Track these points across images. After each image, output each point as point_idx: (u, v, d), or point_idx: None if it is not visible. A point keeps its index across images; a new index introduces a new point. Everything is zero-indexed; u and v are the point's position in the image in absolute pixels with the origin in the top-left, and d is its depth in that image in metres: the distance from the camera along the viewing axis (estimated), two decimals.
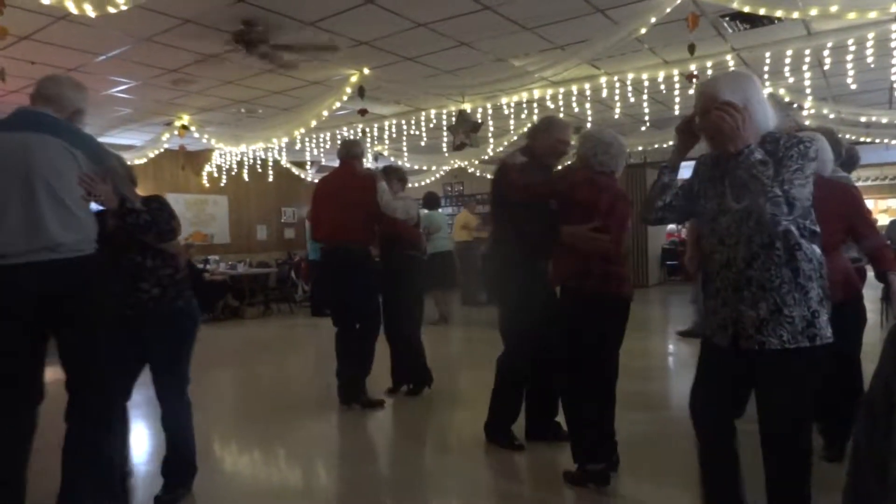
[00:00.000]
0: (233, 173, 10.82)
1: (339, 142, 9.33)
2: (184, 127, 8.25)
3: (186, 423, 2.76)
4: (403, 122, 8.52)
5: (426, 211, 7.77)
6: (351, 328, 4.36)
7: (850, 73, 5.97)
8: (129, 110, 7.80)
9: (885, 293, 2.83)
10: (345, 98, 6.65)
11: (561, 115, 7.74)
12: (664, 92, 6.93)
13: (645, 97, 7.33)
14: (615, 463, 2.89)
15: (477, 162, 10.35)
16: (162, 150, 9.15)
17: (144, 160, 9.26)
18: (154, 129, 8.67)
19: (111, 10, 3.86)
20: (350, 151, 4.55)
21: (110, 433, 2.34)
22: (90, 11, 3.87)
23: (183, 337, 2.72)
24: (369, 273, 4.37)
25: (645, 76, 6.58)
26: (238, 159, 10.44)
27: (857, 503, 1.62)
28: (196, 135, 8.44)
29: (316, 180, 11.56)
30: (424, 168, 10.84)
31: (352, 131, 8.99)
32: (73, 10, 3.85)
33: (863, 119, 7.96)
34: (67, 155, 2.24)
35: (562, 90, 6.94)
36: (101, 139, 9.17)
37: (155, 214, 2.50)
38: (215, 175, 10.88)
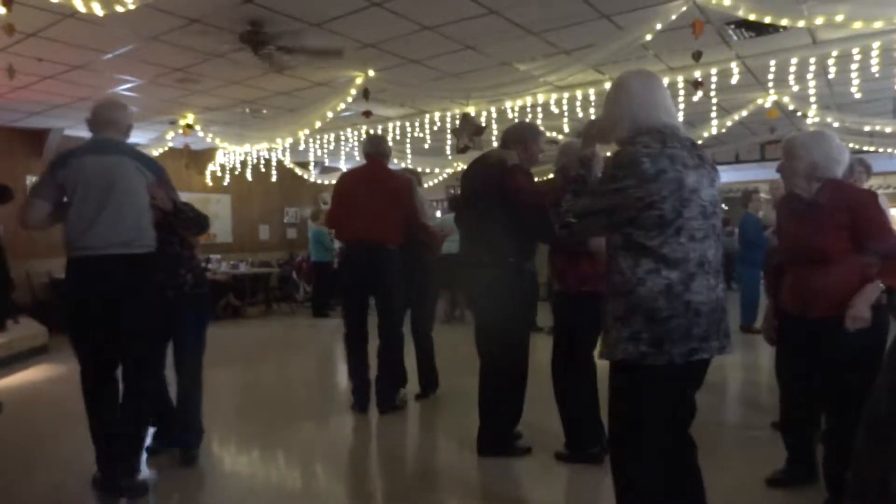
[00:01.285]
0: (236, 173, 10.84)
1: (343, 141, 9.38)
2: (188, 126, 8.27)
3: (199, 391, 3.36)
4: (408, 124, 8.53)
5: (438, 214, 7.82)
6: (364, 331, 4.28)
7: (855, 82, 5.97)
8: (134, 109, 7.80)
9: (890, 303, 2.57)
10: (349, 100, 6.67)
11: (565, 121, 7.78)
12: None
13: None
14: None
15: None
16: (166, 148, 9.17)
17: None
18: (159, 127, 8.70)
19: (119, 8, 3.88)
20: (379, 149, 4.48)
21: (153, 383, 3.13)
22: (98, 10, 3.90)
23: (205, 318, 3.42)
24: (402, 275, 4.30)
25: None
26: (242, 159, 10.46)
27: (862, 480, 1.63)
28: (200, 134, 8.46)
29: (319, 181, 11.66)
30: (428, 170, 10.85)
31: (356, 133, 9.01)
32: (81, 8, 3.87)
33: (867, 128, 7.96)
34: (139, 174, 2.96)
35: (566, 95, 6.95)
36: None
37: (196, 213, 3.27)
38: (219, 174, 10.89)
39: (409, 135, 8.94)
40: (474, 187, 3.36)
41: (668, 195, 1.76)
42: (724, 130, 8.13)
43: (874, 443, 1.59)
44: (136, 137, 9.31)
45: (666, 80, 6.36)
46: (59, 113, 7.85)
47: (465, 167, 3.71)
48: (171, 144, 9.07)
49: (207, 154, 10.69)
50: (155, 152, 9.16)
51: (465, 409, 3.65)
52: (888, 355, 1.65)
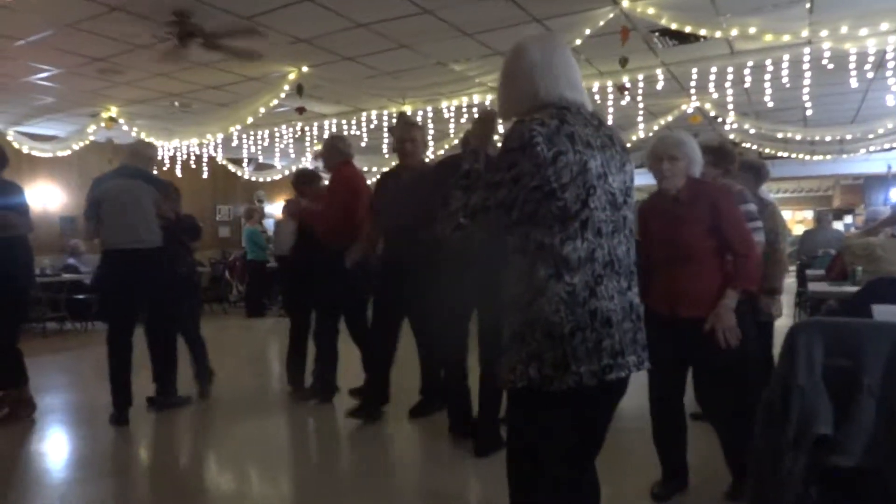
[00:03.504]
0: (164, 168, 10.43)
1: (278, 138, 9.18)
2: (111, 119, 7.90)
3: (201, 345, 4.62)
4: (344, 121, 8.45)
5: None
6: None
7: (768, 91, 6.34)
8: (52, 99, 7.41)
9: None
10: (282, 95, 6.55)
11: (500, 121, 7.89)
12: (598, 101, 7.17)
13: None
14: None
15: None
16: (87, 142, 8.73)
17: (68, 152, 8.81)
18: (79, 120, 8.27)
19: None
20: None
21: (166, 328, 4.34)
22: None
23: (198, 297, 5.05)
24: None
25: None
26: (171, 154, 10.07)
27: (756, 493, 1.75)
28: (125, 127, 8.10)
29: (253, 178, 11.38)
30: (365, 169, 10.77)
31: (290, 129, 8.85)
32: None
33: (780, 135, 8.47)
34: (150, 191, 4.08)
35: None
36: (19, 129, 8.63)
37: (193, 224, 4.64)
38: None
39: (346, 132, 8.86)
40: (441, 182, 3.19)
41: (568, 181, 1.44)
42: (650, 135, 8.48)
43: (768, 427, 1.71)
44: (54, 130, 8.85)
45: (596, 85, 6.68)
46: None
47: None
48: (92, 138, 8.64)
49: None
50: (75, 146, 8.72)
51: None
52: (784, 344, 1.77)
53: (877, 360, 1.68)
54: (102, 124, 7.97)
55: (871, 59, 5.45)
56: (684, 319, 2.47)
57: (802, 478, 1.66)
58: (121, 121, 7.95)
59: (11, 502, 2.85)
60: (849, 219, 14.91)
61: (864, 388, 1.67)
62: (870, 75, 5.80)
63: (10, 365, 3.97)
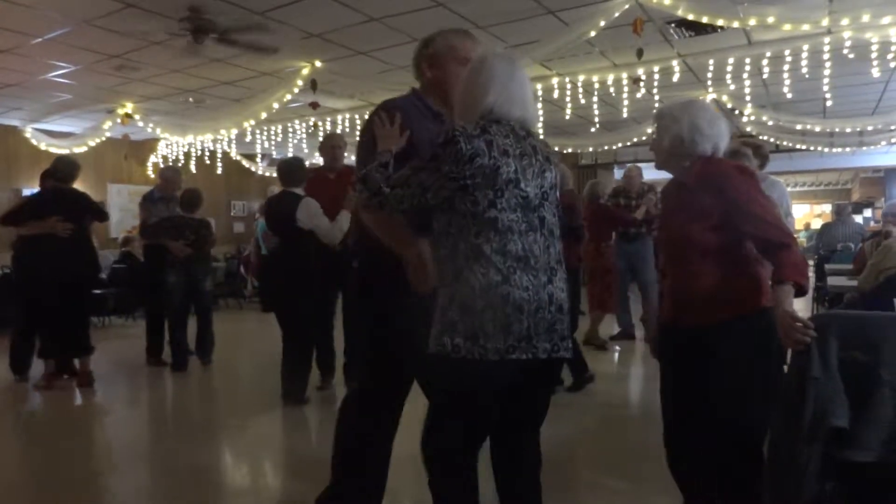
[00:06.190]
0: (180, 164, 10.51)
1: (291, 133, 9.20)
2: (127, 115, 7.96)
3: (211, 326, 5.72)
4: (357, 116, 8.45)
5: None
6: None
7: (787, 82, 6.23)
8: (68, 96, 7.48)
9: None
10: (296, 90, 6.56)
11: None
12: (613, 94, 7.10)
13: (595, 99, 7.49)
14: None
15: None
16: (103, 138, 8.81)
17: (85, 149, 8.90)
18: (96, 116, 8.34)
19: None
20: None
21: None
22: None
23: (211, 288, 6.09)
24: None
25: (595, 78, 6.72)
26: (185, 150, 10.14)
27: (773, 487, 1.73)
28: (140, 123, 8.16)
29: (267, 174, 11.43)
30: None
31: (304, 124, 8.87)
32: None
33: (798, 127, 8.34)
34: None
35: None
36: (36, 126, 8.75)
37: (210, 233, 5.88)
38: (161, 166, 10.53)
39: (358, 127, 8.85)
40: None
41: (480, 182, 1.64)
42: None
43: (785, 420, 1.69)
44: (71, 126, 8.95)
45: (611, 77, 6.62)
46: None
47: None
48: (108, 135, 8.72)
49: (149, 145, 10.33)
50: (91, 143, 8.81)
51: None
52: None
53: None
54: (118, 120, 8.03)
55: (893, 48, 5.33)
56: (683, 330, 2.02)
57: (818, 471, 1.63)
58: (136, 117, 8.01)
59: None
60: (868, 212, 14.67)
61: (883, 382, 1.64)
62: (892, 65, 5.68)
63: (80, 334, 4.76)
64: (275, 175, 11.72)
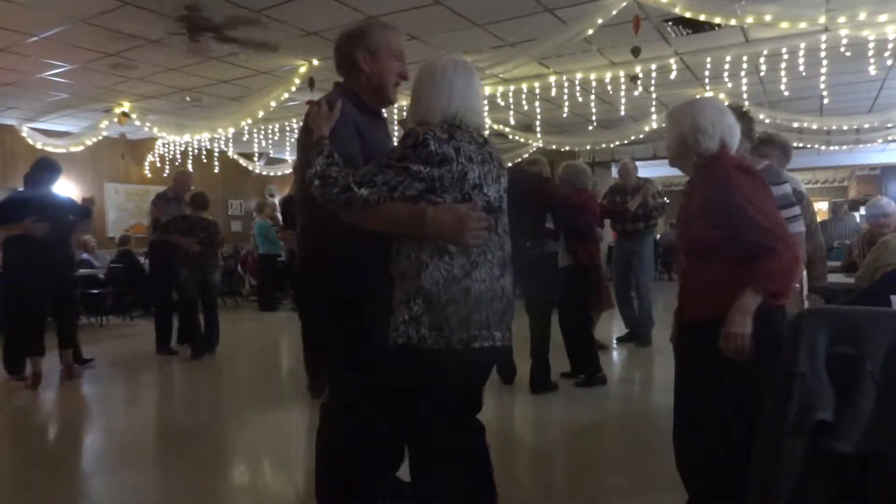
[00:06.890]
0: (177, 163, 10.49)
1: (289, 132, 9.19)
2: (124, 114, 7.94)
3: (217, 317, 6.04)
4: None
5: None
6: None
7: (784, 80, 6.25)
8: (65, 95, 7.46)
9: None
10: (294, 89, 6.55)
11: (511, 113, 7.85)
12: (611, 92, 7.10)
13: (592, 97, 7.49)
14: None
15: None
16: (100, 137, 8.78)
17: (81, 148, 8.88)
18: (92, 115, 8.32)
19: None
20: None
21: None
22: None
23: (219, 283, 6.39)
24: None
25: (593, 76, 6.72)
26: (182, 149, 10.12)
27: (758, 481, 1.73)
28: (137, 122, 8.14)
29: (264, 172, 11.41)
30: None
31: (301, 123, 8.84)
32: None
33: (795, 125, 8.36)
34: None
35: (512, 88, 7.02)
36: (33, 125, 8.72)
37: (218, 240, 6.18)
38: (158, 165, 10.51)
39: None
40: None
41: (449, 185, 1.71)
42: (664, 125, 8.38)
43: (770, 414, 1.70)
44: (67, 125, 8.92)
45: (608, 75, 6.62)
46: None
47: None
48: (105, 134, 8.69)
49: (146, 144, 10.30)
50: (88, 142, 8.78)
51: None
52: (787, 332, 1.74)
53: (880, 346, 1.65)
54: (115, 119, 8.01)
55: (890, 46, 5.34)
56: (686, 324, 2.06)
57: (802, 462, 1.64)
58: (133, 116, 7.99)
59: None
60: (864, 210, 14.72)
61: (866, 374, 1.64)
62: (889, 62, 5.70)
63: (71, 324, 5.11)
64: (272, 174, 11.78)
